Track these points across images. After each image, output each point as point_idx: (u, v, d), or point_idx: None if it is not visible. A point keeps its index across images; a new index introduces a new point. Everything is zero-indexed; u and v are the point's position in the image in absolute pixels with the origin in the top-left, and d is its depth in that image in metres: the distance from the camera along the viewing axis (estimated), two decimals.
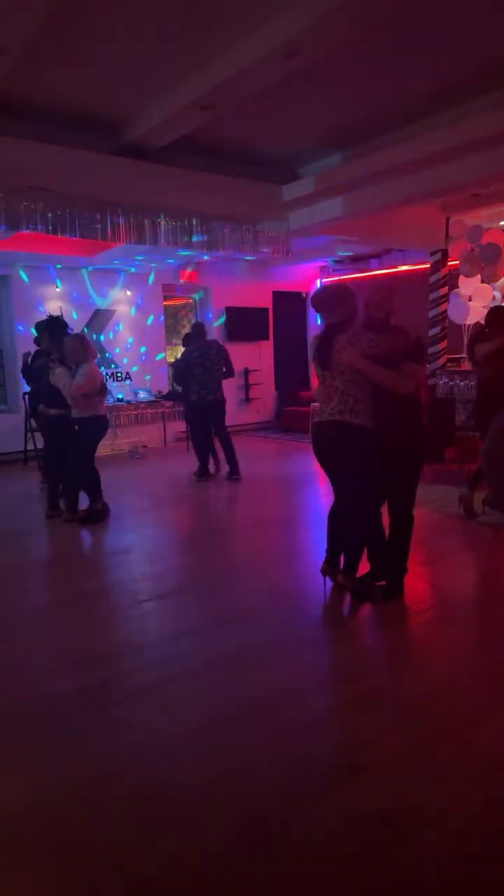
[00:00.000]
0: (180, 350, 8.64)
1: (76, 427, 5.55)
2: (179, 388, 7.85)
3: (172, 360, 7.70)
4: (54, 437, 5.75)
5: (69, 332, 6.13)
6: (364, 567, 3.76)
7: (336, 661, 3.16)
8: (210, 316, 11.01)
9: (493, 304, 7.30)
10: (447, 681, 2.86)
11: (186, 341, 7.50)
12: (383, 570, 3.73)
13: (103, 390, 5.64)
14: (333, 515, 3.83)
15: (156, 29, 3.85)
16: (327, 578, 3.85)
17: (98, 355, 5.66)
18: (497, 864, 1.85)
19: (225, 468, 7.45)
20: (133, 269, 9.82)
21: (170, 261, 9.49)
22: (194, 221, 6.48)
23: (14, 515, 6.18)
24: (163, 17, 3.72)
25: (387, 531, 3.70)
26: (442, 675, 2.90)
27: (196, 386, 7.14)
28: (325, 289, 3.78)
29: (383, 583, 3.72)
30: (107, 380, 9.62)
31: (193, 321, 7.80)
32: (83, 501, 5.75)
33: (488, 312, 5.46)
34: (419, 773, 2.23)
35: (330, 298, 3.60)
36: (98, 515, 5.68)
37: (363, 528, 3.65)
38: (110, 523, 5.64)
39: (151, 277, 10.19)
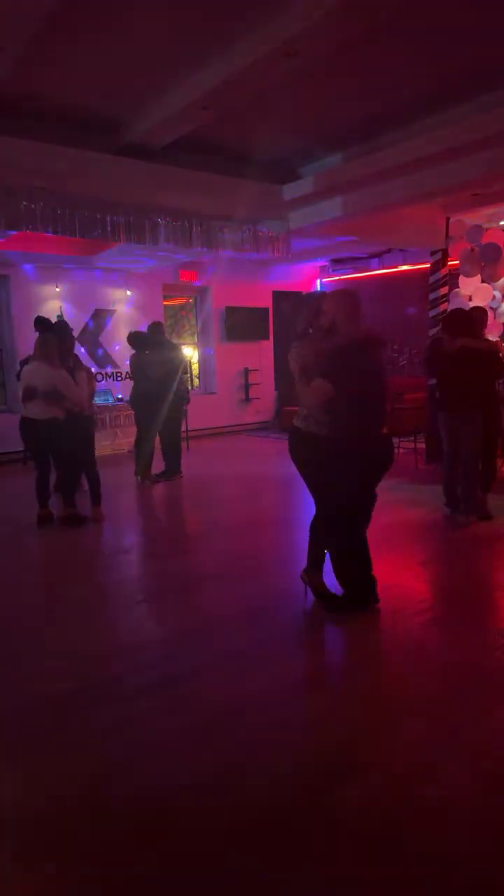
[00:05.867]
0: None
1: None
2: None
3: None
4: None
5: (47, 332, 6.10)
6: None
7: (335, 661, 3.16)
8: (210, 316, 11.01)
9: (489, 304, 7.32)
10: (446, 681, 2.86)
11: (153, 344, 7.27)
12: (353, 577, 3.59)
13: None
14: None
15: (156, 29, 3.85)
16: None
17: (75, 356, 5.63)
18: (498, 864, 1.85)
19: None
20: (133, 269, 9.81)
21: (170, 261, 9.48)
22: (194, 221, 6.48)
23: (12, 515, 6.17)
24: (163, 17, 3.73)
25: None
26: (441, 675, 2.90)
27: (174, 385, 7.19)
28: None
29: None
30: (106, 379, 9.72)
31: (152, 322, 7.52)
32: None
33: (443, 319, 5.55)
34: (419, 772, 2.24)
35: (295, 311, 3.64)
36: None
37: (317, 533, 3.64)
38: (108, 523, 5.64)
39: (151, 277, 10.18)
